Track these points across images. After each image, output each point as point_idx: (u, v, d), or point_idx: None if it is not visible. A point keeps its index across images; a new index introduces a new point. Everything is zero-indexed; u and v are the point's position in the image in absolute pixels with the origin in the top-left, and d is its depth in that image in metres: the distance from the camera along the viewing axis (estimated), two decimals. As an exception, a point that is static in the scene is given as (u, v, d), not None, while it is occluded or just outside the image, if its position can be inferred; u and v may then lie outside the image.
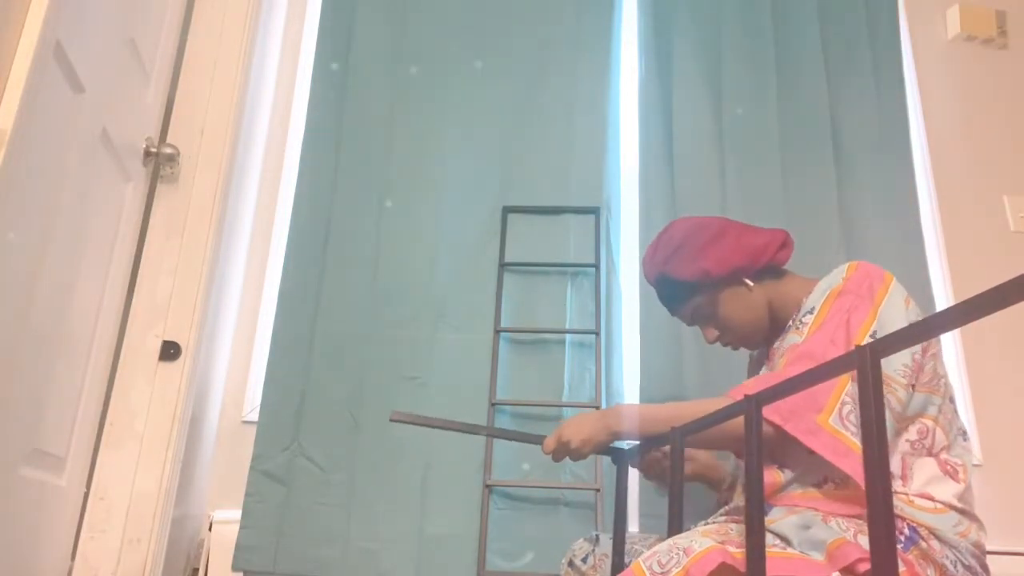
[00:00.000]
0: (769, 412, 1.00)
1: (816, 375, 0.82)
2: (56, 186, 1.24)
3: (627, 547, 1.26)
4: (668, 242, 1.35)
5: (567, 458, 1.24)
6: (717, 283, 1.31)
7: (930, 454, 1.09)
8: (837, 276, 1.18)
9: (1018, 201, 2.26)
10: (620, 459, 1.33)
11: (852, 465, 1.00)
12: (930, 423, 1.10)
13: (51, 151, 1.20)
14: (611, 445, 1.25)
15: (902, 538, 1.01)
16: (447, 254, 1.98)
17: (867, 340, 1.07)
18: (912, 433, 1.10)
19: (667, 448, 1.29)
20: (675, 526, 1.06)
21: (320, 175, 2.00)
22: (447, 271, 1.96)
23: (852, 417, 1.03)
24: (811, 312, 1.17)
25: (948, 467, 1.09)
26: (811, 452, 1.04)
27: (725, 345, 1.37)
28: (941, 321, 0.65)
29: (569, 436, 1.21)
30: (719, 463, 1.45)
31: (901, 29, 2.32)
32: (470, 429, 1.35)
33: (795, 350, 1.14)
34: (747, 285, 1.30)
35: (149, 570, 1.48)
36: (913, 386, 1.09)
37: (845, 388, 1.04)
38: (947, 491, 1.07)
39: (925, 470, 1.08)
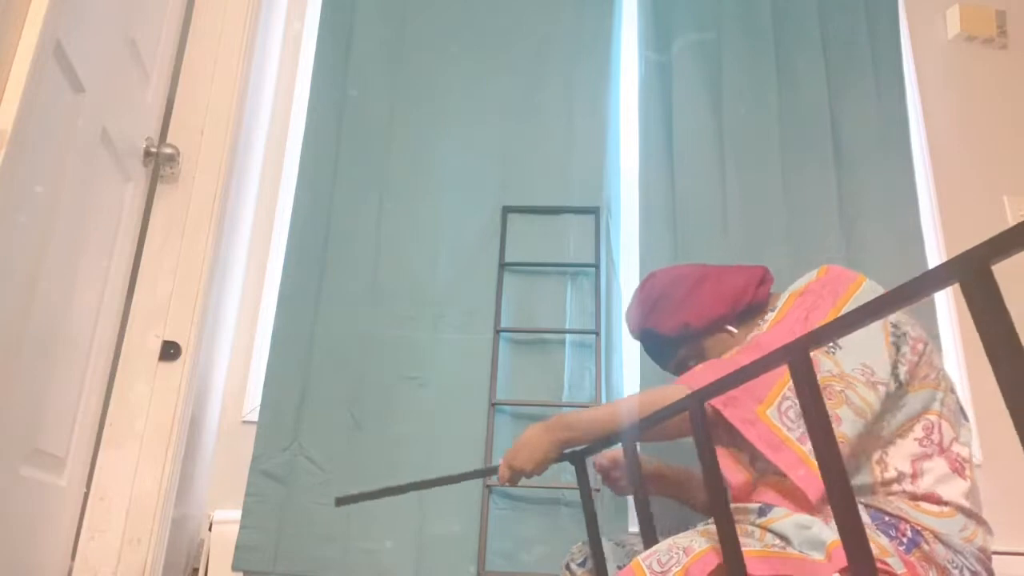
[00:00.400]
0: (713, 400, 1.01)
1: (753, 368, 0.83)
2: (56, 186, 1.23)
3: (627, 548, 1.26)
4: (648, 296, 1.35)
5: (535, 476, 1.25)
6: (700, 334, 1.31)
7: (941, 449, 1.09)
8: (805, 279, 1.19)
9: (1018, 201, 2.26)
10: (577, 460, 1.32)
11: (785, 459, 1.00)
12: (934, 418, 1.10)
13: (51, 151, 1.20)
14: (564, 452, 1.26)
15: (904, 540, 1.01)
16: (447, 254, 1.97)
17: None
18: (918, 431, 1.09)
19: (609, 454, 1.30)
20: (647, 531, 1.06)
21: (320, 175, 2.00)
22: (447, 271, 1.96)
23: (791, 413, 1.03)
24: (773, 310, 1.17)
25: (957, 463, 1.08)
26: None
27: None
28: (862, 314, 0.69)
29: (522, 464, 1.21)
30: (691, 475, 1.44)
31: (901, 29, 2.32)
32: (414, 487, 1.34)
33: (750, 342, 1.14)
34: (730, 332, 1.30)
35: (149, 570, 1.48)
36: (908, 384, 1.09)
37: (787, 383, 1.04)
38: (955, 490, 1.06)
39: (935, 470, 1.08)
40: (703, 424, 0.90)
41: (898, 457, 1.08)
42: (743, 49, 2.18)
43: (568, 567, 1.32)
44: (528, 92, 2.12)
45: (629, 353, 1.96)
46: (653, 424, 1.04)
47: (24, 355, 1.18)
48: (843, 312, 1.09)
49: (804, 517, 1.00)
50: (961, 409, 1.15)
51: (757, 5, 2.22)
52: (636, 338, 1.39)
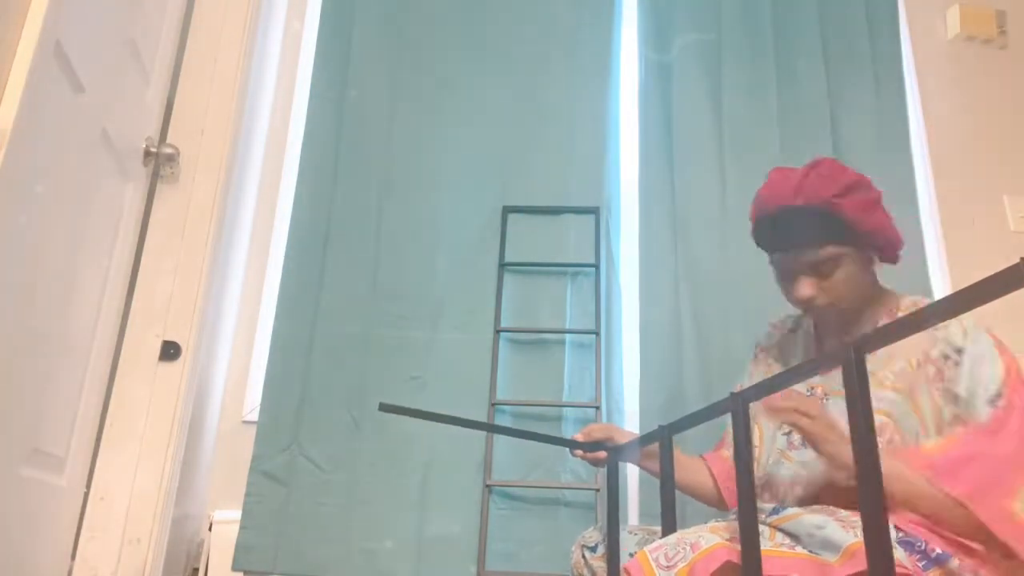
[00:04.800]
0: (951, 483, 0.98)
1: (803, 370, 0.81)
2: (56, 186, 1.23)
3: (638, 537, 1.26)
4: (841, 176, 1.20)
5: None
6: (866, 245, 1.21)
7: None
8: (993, 359, 1.10)
9: (1018, 201, 2.26)
10: (610, 457, 1.32)
11: None
12: None
13: (51, 151, 1.20)
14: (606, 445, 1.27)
15: (929, 557, 1.00)
16: (447, 254, 1.97)
17: None
18: None
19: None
20: (668, 524, 1.06)
21: (320, 175, 2.00)
22: (447, 271, 1.96)
23: None
24: (992, 402, 1.08)
25: None
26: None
27: (810, 309, 1.24)
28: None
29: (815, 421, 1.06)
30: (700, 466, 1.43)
31: (901, 29, 2.32)
32: (468, 424, 1.35)
33: (990, 423, 1.08)
34: (876, 261, 1.24)
35: (149, 570, 1.48)
36: None
37: None
38: None
39: None
40: (746, 427, 0.89)
41: None
42: (743, 49, 2.18)
43: (583, 553, 1.32)
44: (528, 92, 2.12)
45: (629, 353, 1.96)
46: (691, 425, 1.03)
47: (24, 355, 1.18)
48: None
49: (818, 518, 0.98)
50: None
51: (757, 5, 2.23)
52: (791, 205, 1.20)
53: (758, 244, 1.30)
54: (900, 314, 1.20)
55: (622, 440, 1.33)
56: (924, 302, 1.17)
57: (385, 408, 1.27)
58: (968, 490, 0.99)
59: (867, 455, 0.71)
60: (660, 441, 1.11)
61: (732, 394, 0.92)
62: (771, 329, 1.44)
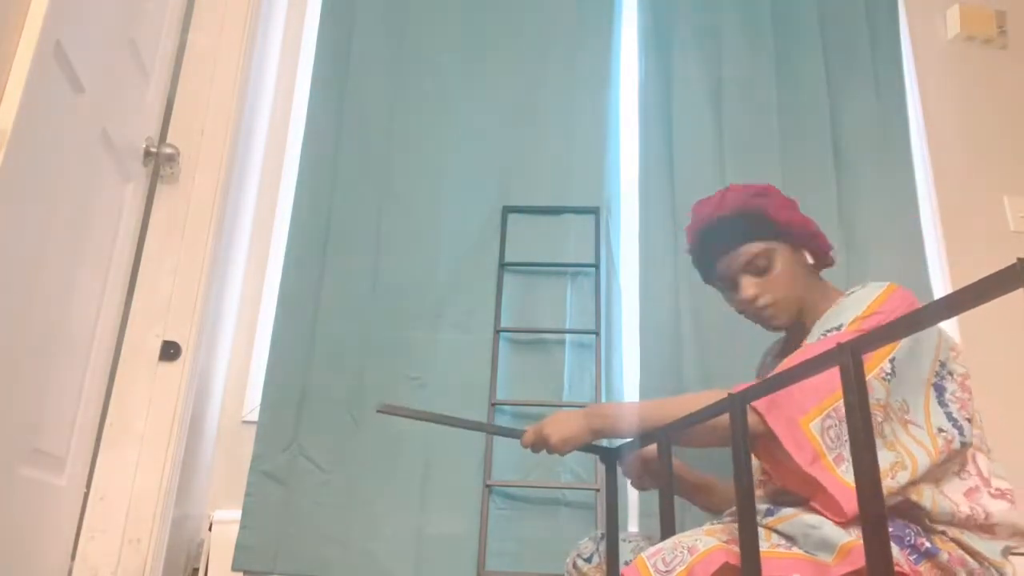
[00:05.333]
0: (756, 402, 1.00)
1: (800, 371, 0.82)
2: (56, 186, 1.23)
3: (632, 545, 1.26)
4: (753, 186, 1.32)
5: (556, 453, 1.23)
6: (795, 240, 1.28)
7: (984, 481, 1.09)
8: (869, 294, 1.15)
9: (1018, 201, 2.26)
10: (608, 458, 1.32)
11: (818, 473, 0.99)
12: (971, 451, 1.11)
13: (51, 151, 1.20)
14: (598, 443, 1.25)
15: (920, 551, 1.00)
16: (447, 254, 1.97)
17: (887, 365, 1.06)
18: (971, 467, 1.10)
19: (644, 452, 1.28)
20: (667, 527, 1.06)
21: (320, 175, 2.00)
22: (447, 271, 1.96)
23: (832, 432, 1.02)
24: (837, 329, 1.12)
25: (998, 492, 1.08)
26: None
27: (753, 310, 1.28)
28: (923, 316, 0.67)
29: (549, 433, 1.20)
30: (709, 482, 1.43)
31: (901, 29, 2.32)
32: (453, 422, 1.35)
33: (802, 348, 1.13)
34: (807, 258, 1.31)
35: (149, 570, 1.48)
36: (969, 420, 1.09)
37: (833, 404, 1.03)
38: (1003, 516, 1.06)
39: (984, 501, 1.07)
40: (743, 427, 0.89)
41: (953, 494, 1.07)
42: (743, 50, 2.18)
43: (575, 563, 1.32)
44: (528, 92, 2.11)
45: (629, 353, 1.96)
46: (690, 424, 1.02)
47: (24, 355, 1.18)
48: (906, 340, 1.07)
49: (813, 517, 0.99)
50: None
51: (757, 5, 2.22)
52: (723, 215, 1.29)
53: (703, 273, 1.37)
54: (831, 311, 1.21)
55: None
56: (866, 287, 1.17)
57: (384, 410, 1.27)
58: (766, 401, 1.01)
59: (864, 455, 0.71)
60: (659, 443, 1.11)
61: (730, 394, 0.92)
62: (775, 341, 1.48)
